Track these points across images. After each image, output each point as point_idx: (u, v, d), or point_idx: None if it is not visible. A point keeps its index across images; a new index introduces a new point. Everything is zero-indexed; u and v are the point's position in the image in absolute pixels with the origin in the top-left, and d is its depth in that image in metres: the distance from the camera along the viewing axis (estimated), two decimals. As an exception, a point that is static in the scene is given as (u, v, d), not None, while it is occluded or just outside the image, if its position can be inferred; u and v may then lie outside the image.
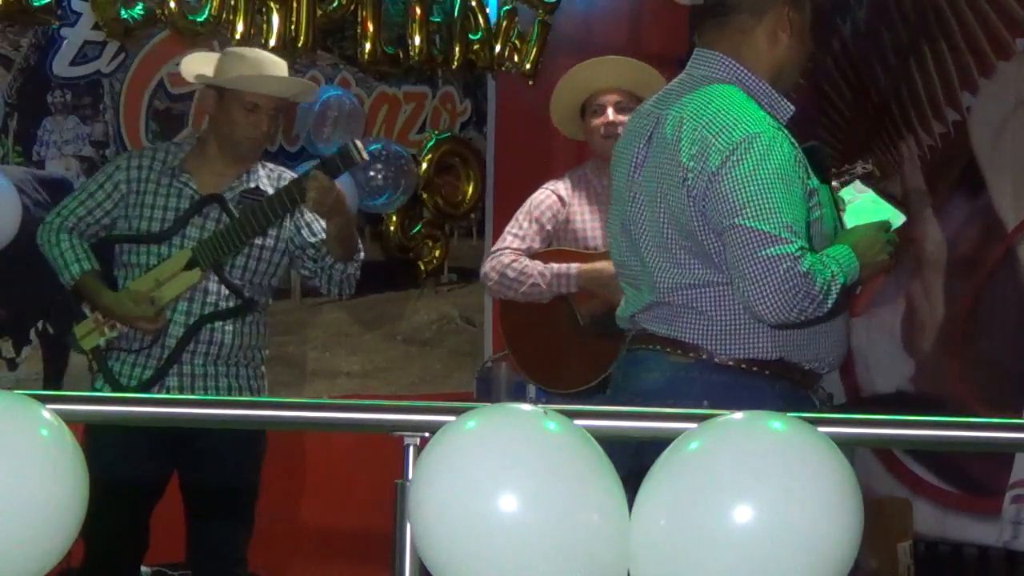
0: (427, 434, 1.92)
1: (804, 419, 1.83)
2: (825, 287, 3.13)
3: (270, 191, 4.23)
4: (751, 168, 3.15)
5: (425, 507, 1.79)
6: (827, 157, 3.38)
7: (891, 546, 5.72)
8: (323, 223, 4.22)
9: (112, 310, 4.16)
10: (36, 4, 4.75)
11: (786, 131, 3.30)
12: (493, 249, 4.80)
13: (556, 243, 4.76)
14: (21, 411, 1.87)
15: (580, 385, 4.66)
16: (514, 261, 4.68)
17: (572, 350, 4.70)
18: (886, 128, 6.15)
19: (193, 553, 4.29)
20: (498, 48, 5.91)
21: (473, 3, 5.86)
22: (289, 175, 4.31)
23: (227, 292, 4.19)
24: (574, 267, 4.65)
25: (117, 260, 4.27)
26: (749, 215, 3.13)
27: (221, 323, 4.19)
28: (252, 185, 4.25)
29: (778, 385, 3.28)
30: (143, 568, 4.60)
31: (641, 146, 3.36)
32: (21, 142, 4.86)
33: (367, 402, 2.18)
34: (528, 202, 4.82)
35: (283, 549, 5.36)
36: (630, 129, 3.47)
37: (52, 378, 4.88)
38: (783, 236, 3.11)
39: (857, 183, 3.40)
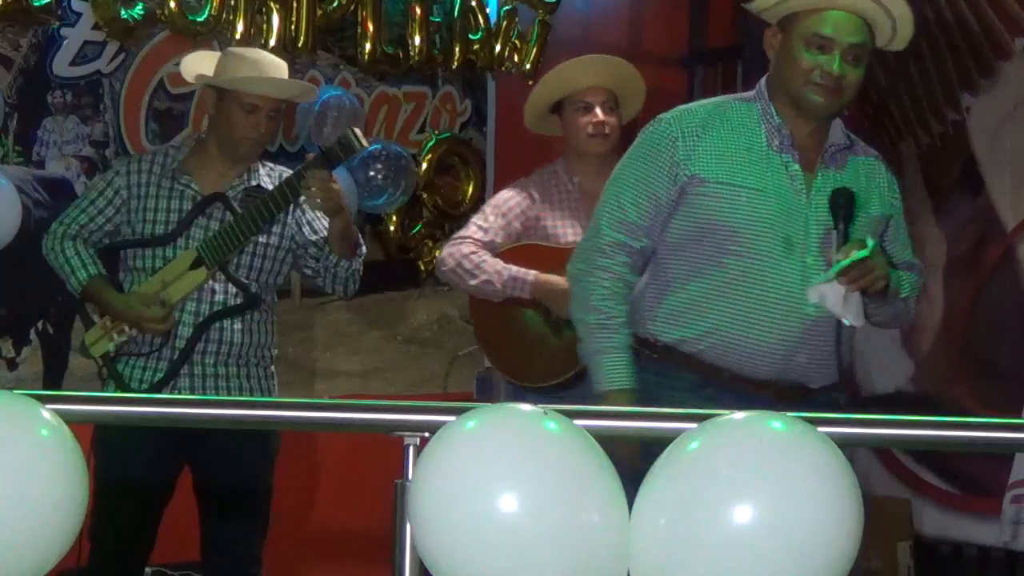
0: (427, 434, 1.92)
1: (804, 419, 1.83)
2: (588, 297, 3.48)
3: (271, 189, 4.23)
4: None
5: (425, 507, 1.79)
6: (849, 202, 3.40)
7: (891, 546, 5.72)
8: (324, 221, 4.22)
9: (122, 312, 4.14)
10: (36, 4, 4.75)
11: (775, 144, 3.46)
12: (455, 236, 4.73)
13: (527, 239, 4.69)
14: (21, 411, 1.87)
15: (548, 380, 4.57)
16: (473, 253, 4.61)
17: (543, 344, 4.64)
18: (886, 128, 6.15)
19: (208, 553, 4.28)
20: (498, 48, 5.92)
21: (473, 3, 5.86)
22: (289, 173, 4.31)
23: (234, 290, 4.18)
24: (531, 275, 4.56)
25: (123, 265, 4.26)
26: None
27: (230, 321, 4.18)
28: (253, 183, 4.25)
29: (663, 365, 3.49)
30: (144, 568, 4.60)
31: None
32: (21, 142, 4.86)
33: (367, 402, 2.18)
34: (498, 196, 4.77)
35: (283, 549, 5.36)
36: None
37: (52, 378, 4.88)
38: (604, 229, 3.49)
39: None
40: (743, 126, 3.46)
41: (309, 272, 4.36)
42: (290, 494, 5.38)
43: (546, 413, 1.83)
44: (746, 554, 1.71)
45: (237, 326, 4.20)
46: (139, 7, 4.98)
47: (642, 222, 3.45)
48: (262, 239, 4.21)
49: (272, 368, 4.35)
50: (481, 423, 1.82)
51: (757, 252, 3.39)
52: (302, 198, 4.12)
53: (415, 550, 1.86)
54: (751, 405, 3.06)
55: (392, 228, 5.78)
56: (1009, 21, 5.73)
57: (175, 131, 5.16)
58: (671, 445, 1.81)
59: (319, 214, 4.23)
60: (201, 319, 4.16)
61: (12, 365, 4.85)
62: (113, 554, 4.17)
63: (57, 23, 4.87)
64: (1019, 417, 5.36)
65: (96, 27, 4.94)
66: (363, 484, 4.56)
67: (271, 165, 4.36)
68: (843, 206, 3.37)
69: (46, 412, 1.88)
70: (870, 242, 3.32)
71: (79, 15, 4.92)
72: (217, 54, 4.42)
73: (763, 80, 3.54)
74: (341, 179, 5.42)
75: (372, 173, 5.52)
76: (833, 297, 3.33)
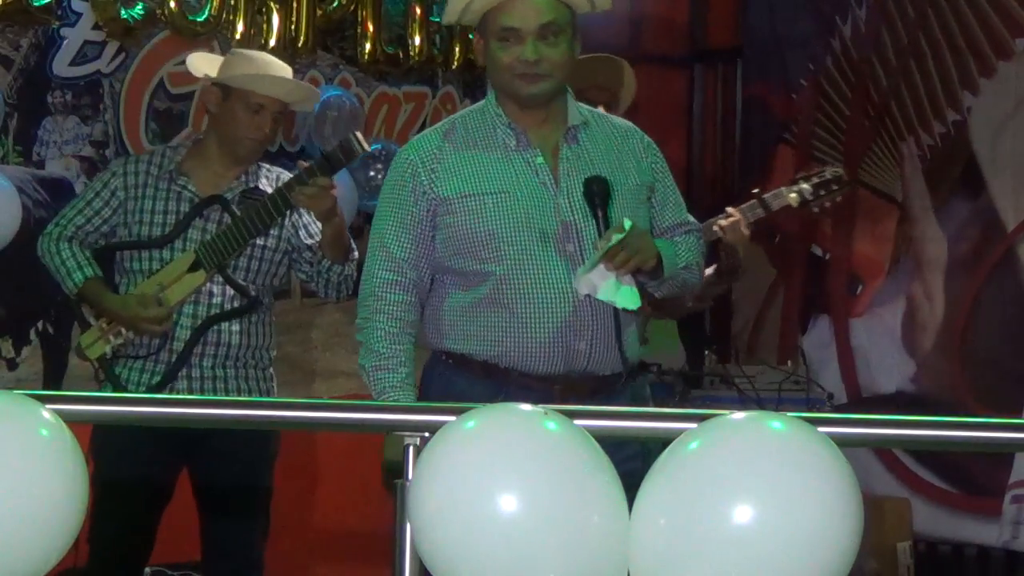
0: (427, 434, 1.92)
1: (804, 419, 1.83)
2: (368, 343, 3.40)
3: (270, 191, 4.21)
4: None
5: (425, 507, 1.79)
6: (603, 189, 3.41)
7: (891, 546, 5.72)
8: (319, 225, 4.21)
9: (119, 314, 4.12)
10: (36, 4, 4.75)
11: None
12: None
13: None
14: (21, 411, 1.87)
15: None
16: None
17: None
18: (886, 128, 6.15)
19: (208, 555, 4.28)
20: (498, 48, 5.91)
21: (473, 3, 5.86)
22: (288, 176, 4.29)
23: (232, 293, 4.17)
24: None
25: (118, 267, 4.23)
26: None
27: (228, 324, 4.17)
28: (252, 185, 4.23)
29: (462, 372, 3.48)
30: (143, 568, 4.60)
31: None
32: (21, 142, 4.85)
33: (367, 402, 2.18)
34: None
35: (282, 549, 5.36)
36: None
37: (52, 378, 4.88)
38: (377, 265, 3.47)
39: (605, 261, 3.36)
40: (481, 134, 3.50)
41: (303, 276, 4.35)
42: (290, 494, 5.38)
43: (546, 413, 1.83)
44: (746, 554, 1.71)
45: (235, 328, 4.19)
46: (139, 7, 4.97)
47: (406, 255, 3.45)
48: (259, 241, 4.19)
49: (271, 369, 4.34)
50: (481, 423, 1.82)
51: (515, 253, 3.41)
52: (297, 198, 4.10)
53: (415, 550, 1.86)
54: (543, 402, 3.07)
55: (392, 228, 5.78)
56: (1009, 21, 5.73)
57: (175, 131, 5.15)
58: (671, 445, 1.81)
59: (314, 218, 4.22)
60: (199, 321, 4.14)
61: (12, 365, 4.84)
62: (112, 557, 4.16)
63: (57, 23, 4.87)
64: (1019, 417, 5.36)
65: (96, 27, 4.94)
66: (363, 484, 4.55)
67: (268, 167, 4.34)
68: (597, 193, 3.39)
69: (46, 412, 1.88)
70: (627, 223, 3.32)
71: (79, 15, 4.92)
72: (220, 56, 4.39)
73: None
74: (342, 180, 5.44)
75: (372, 173, 5.52)
76: (603, 284, 3.33)
